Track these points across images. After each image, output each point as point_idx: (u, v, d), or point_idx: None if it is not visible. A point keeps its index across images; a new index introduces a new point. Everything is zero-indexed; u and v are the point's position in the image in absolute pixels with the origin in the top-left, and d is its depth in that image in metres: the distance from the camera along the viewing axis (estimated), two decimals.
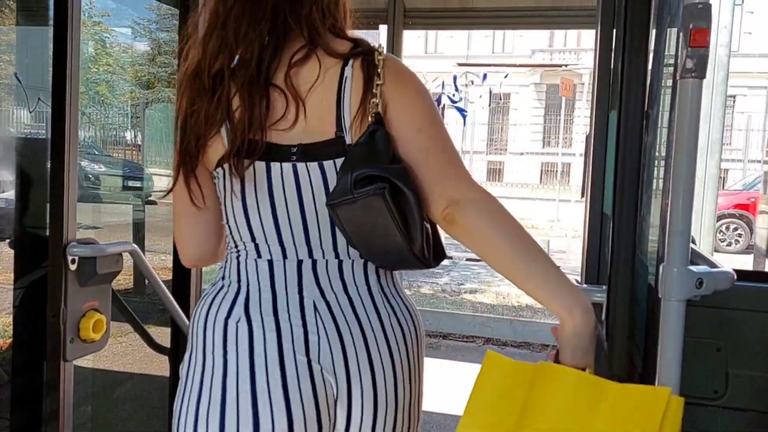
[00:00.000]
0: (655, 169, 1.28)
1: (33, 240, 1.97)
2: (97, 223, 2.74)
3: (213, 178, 1.09)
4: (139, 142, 3.32)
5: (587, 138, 1.79)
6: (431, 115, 1.03)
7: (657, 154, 1.26)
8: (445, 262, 8.84)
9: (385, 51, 1.04)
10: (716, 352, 1.49)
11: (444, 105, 17.22)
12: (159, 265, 2.62)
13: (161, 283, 2.00)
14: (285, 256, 1.04)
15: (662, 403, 0.89)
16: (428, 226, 1.04)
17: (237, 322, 1.01)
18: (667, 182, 1.06)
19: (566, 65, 23.43)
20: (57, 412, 1.81)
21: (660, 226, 1.12)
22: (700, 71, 0.85)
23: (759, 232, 7.49)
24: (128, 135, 3.43)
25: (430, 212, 1.01)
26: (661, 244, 1.08)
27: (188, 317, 2.14)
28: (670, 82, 1.07)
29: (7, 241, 2.14)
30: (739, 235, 12.39)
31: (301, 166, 1.01)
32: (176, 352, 2.22)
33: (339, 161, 1.00)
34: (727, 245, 12.27)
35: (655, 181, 1.27)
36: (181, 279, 2.23)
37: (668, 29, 1.19)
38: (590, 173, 1.68)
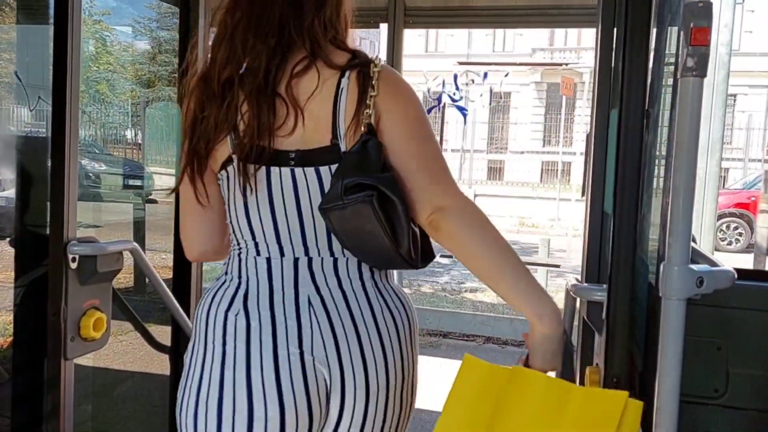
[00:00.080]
0: (656, 167, 1.28)
1: (33, 238, 1.97)
2: (97, 221, 2.75)
3: (218, 180, 1.16)
4: (140, 141, 3.32)
5: (588, 137, 1.79)
6: (422, 126, 1.10)
7: (657, 152, 1.26)
8: (446, 261, 8.88)
9: (383, 61, 1.10)
10: (716, 351, 1.49)
11: (444, 104, 17.20)
12: (159, 264, 2.62)
13: (162, 281, 2.00)
14: (282, 255, 1.10)
15: (620, 407, 0.96)
16: (416, 229, 1.11)
17: (236, 315, 1.07)
18: (667, 181, 1.06)
19: (567, 64, 23.40)
20: (57, 411, 1.81)
21: (660, 225, 1.12)
22: (700, 70, 0.85)
23: (759, 231, 7.47)
24: (128, 133, 3.44)
25: (416, 217, 1.08)
26: (661, 242, 1.08)
27: (189, 316, 2.14)
28: (670, 81, 1.07)
29: (8, 239, 2.15)
30: (740, 234, 12.40)
31: (298, 170, 1.08)
32: (177, 350, 2.22)
33: (334, 167, 1.07)
34: (728, 244, 12.27)
35: (655, 179, 1.26)
36: (182, 277, 2.23)
37: (669, 28, 1.18)
38: (591, 172, 1.68)
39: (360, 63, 1.08)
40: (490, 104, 22.75)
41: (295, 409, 1.04)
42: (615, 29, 1.55)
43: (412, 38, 23.14)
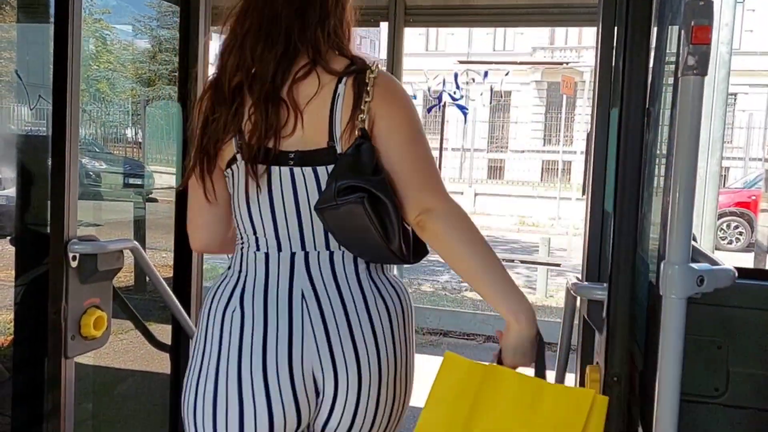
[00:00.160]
0: (656, 166, 1.28)
1: (34, 237, 1.97)
2: (98, 220, 2.74)
3: (225, 177, 1.22)
4: (140, 140, 3.31)
5: (588, 136, 1.79)
6: (414, 130, 1.16)
7: (658, 151, 1.26)
8: None
9: (382, 66, 1.17)
10: (717, 349, 1.49)
11: (445, 102, 17.20)
12: (160, 263, 2.62)
13: (162, 280, 2.01)
14: (280, 250, 1.17)
15: (588, 403, 1.02)
16: (408, 228, 1.17)
17: (233, 312, 1.14)
18: (668, 180, 1.06)
19: (567, 63, 23.40)
20: (58, 409, 1.81)
21: (661, 224, 1.12)
22: (701, 68, 0.85)
23: (760, 230, 7.47)
24: (129, 132, 3.43)
25: (405, 217, 1.14)
26: (662, 241, 1.08)
27: (189, 314, 2.15)
28: (671, 80, 1.07)
29: (9, 238, 2.15)
30: (740, 233, 12.39)
31: (297, 170, 1.14)
32: (177, 349, 2.23)
33: (331, 167, 1.13)
34: (728, 243, 12.27)
35: (656, 178, 1.27)
36: (182, 276, 2.23)
37: (669, 26, 1.18)
38: (591, 171, 1.68)
39: (357, 69, 1.14)
40: (491, 103, 22.75)
41: (281, 404, 1.10)
42: (616, 28, 1.55)
43: (413, 37, 23.16)
